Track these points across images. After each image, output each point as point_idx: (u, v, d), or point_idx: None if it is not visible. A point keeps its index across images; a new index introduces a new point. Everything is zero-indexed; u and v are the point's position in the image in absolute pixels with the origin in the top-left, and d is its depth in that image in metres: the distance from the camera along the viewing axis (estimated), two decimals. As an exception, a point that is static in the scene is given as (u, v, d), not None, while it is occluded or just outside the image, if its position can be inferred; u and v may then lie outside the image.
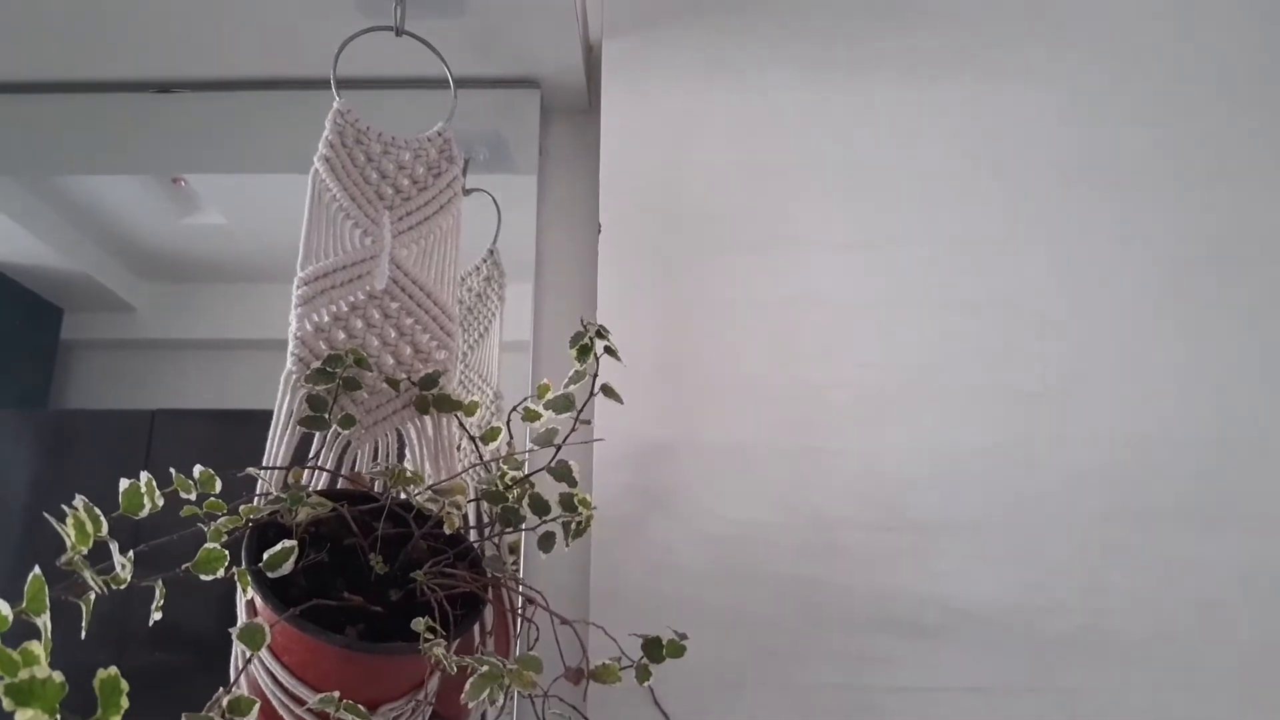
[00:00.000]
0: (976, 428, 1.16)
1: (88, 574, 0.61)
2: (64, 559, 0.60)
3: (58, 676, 0.54)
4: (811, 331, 1.21)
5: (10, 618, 0.56)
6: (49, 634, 0.58)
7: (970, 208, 1.25)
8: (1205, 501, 1.14)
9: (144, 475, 0.77)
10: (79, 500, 0.65)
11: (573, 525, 0.97)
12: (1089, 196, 1.25)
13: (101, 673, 0.56)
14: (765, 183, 1.28)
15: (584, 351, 0.94)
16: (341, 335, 1.01)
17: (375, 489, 0.99)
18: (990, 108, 1.29)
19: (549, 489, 0.98)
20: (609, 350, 0.95)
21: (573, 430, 0.96)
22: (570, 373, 0.95)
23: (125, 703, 0.57)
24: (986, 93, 1.30)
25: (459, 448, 1.09)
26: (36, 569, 0.60)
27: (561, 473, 0.97)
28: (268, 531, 0.85)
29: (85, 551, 0.62)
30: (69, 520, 0.60)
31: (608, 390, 0.96)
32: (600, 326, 0.95)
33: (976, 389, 1.18)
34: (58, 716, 0.53)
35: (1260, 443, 1.16)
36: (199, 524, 0.83)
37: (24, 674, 0.52)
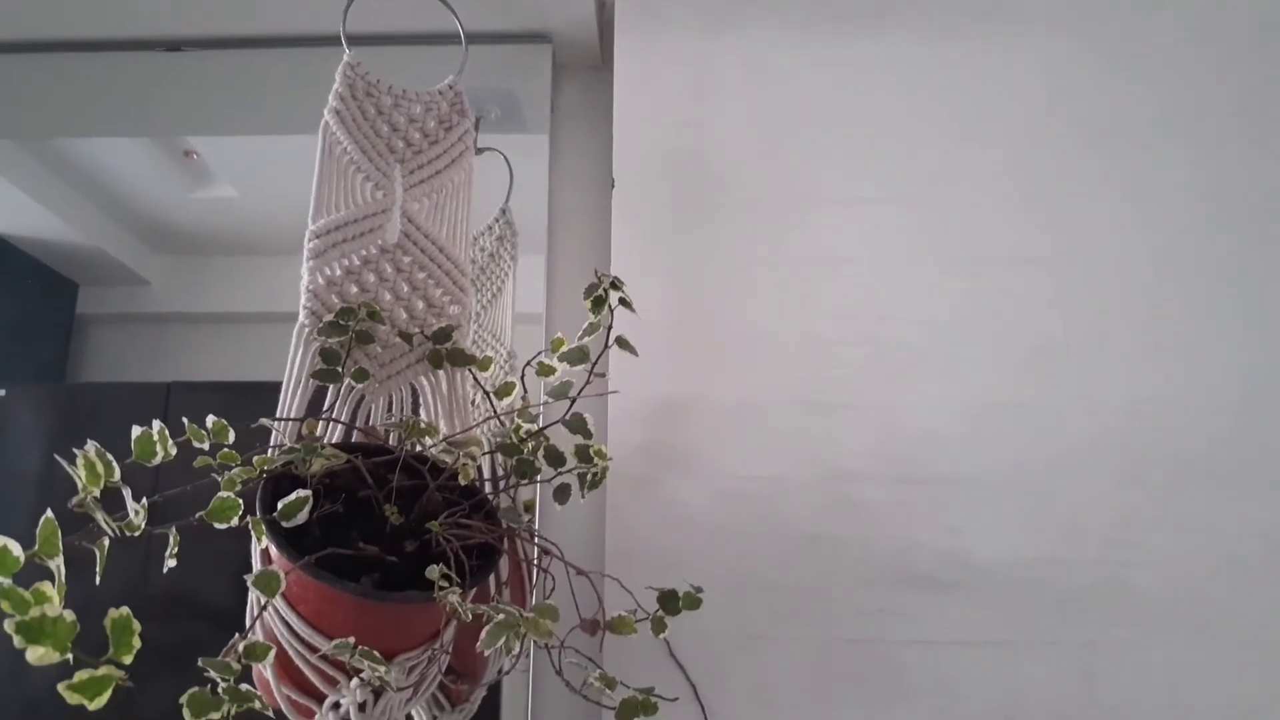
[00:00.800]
0: (996, 384, 1.15)
1: (99, 515, 0.61)
2: (75, 500, 0.60)
3: (69, 615, 0.54)
4: (828, 288, 1.19)
5: (22, 559, 0.56)
6: (62, 577, 0.57)
7: (987, 165, 1.23)
8: (1228, 461, 1.12)
9: (155, 423, 0.76)
10: (90, 444, 0.65)
11: (589, 476, 0.96)
12: (1109, 154, 1.23)
13: (113, 612, 0.56)
14: (781, 139, 1.26)
15: (598, 303, 0.93)
16: (354, 289, 1.01)
17: (390, 442, 0.99)
18: (1008, 66, 1.27)
19: (564, 442, 0.98)
20: (623, 302, 0.94)
21: (587, 383, 0.95)
22: (584, 325, 0.94)
23: (137, 642, 0.56)
24: (1004, 51, 1.28)
25: (473, 403, 1.08)
26: (49, 512, 0.59)
27: (577, 425, 0.97)
28: (282, 483, 0.85)
29: (97, 493, 0.61)
30: (79, 460, 0.60)
31: (622, 342, 0.95)
32: (615, 278, 0.93)
33: (995, 346, 1.16)
34: (69, 654, 0.53)
35: (1284, 402, 1.14)
36: (213, 474, 0.82)
37: (35, 612, 0.52)
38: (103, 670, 0.53)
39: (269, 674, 0.84)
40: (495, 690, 1.40)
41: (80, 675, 0.52)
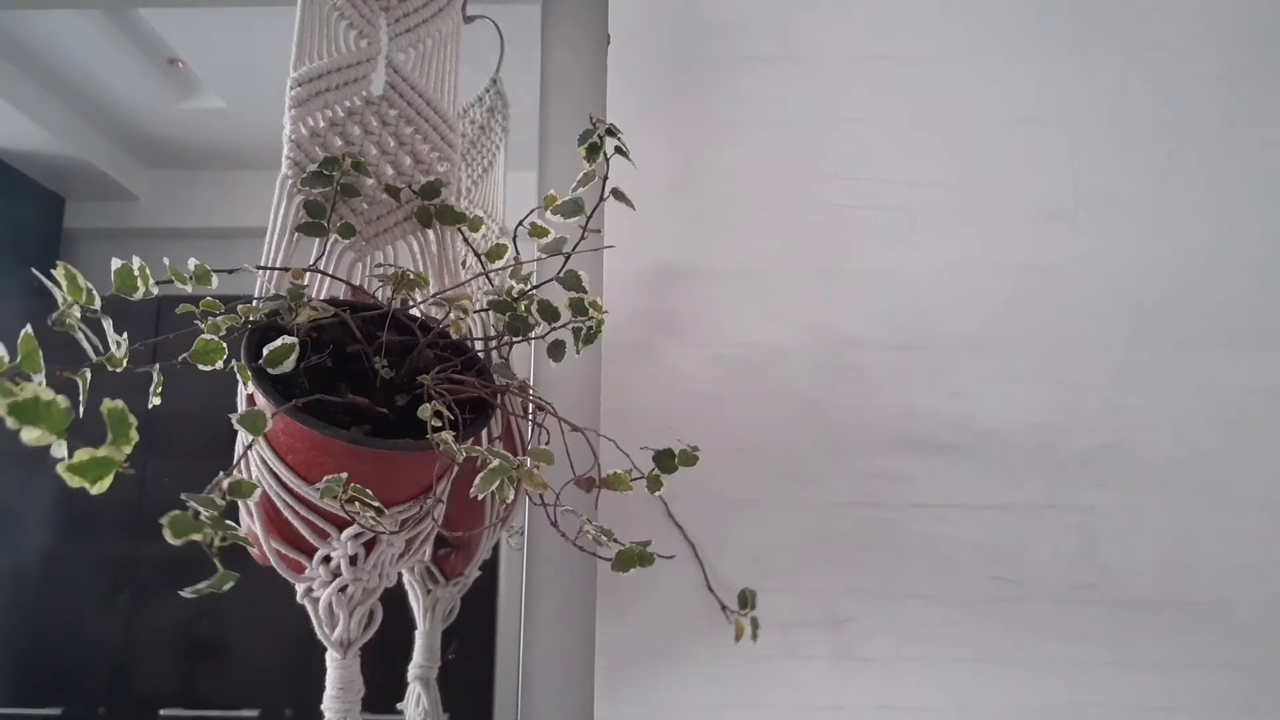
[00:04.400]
0: (1001, 246, 1.12)
1: (80, 334, 0.58)
2: (55, 316, 0.57)
3: (62, 401, 0.51)
4: (832, 148, 1.15)
5: (6, 360, 0.53)
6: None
7: (996, 23, 1.19)
8: (1232, 321, 1.10)
9: (136, 260, 0.73)
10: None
11: (584, 331, 0.94)
12: (1121, 9, 1.18)
13: (108, 403, 0.54)
14: (783, -5, 1.21)
15: (593, 150, 0.89)
16: (338, 142, 0.96)
17: (379, 297, 0.96)
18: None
19: (558, 302, 0.95)
20: (620, 150, 0.90)
21: (582, 239, 0.92)
22: (579, 176, 0.91)
23: (135, 435, 0.54)
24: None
25: (464, 265, 1.05)
26: (28, 327, 0.56)
27: (571, 281, 0.94)
28: (268, 335, 0.82)
29: (78, 311, 0.59)
30: (59, 271, 0.57)
31: (618, 193, 0.91)
32: (610, 124, 0.90)
33: (1002, 207, 1.13)
34: (64, 440, 0.51)
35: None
36: (195, 321, 0.79)
37: (27, 392, 0.50)
38: (104, 451, 0.51)
39: (258, 528, 0.83)
40: (492, 568, 1.40)
41: (81, 454, 0.50)
